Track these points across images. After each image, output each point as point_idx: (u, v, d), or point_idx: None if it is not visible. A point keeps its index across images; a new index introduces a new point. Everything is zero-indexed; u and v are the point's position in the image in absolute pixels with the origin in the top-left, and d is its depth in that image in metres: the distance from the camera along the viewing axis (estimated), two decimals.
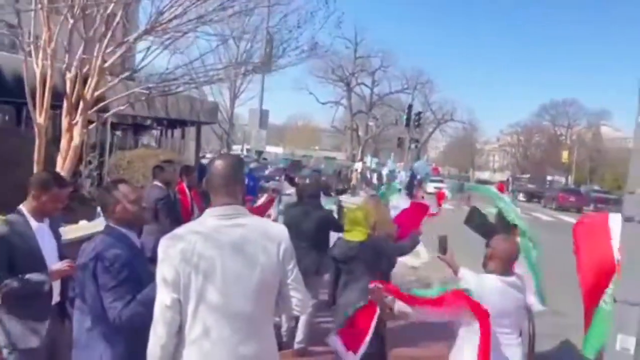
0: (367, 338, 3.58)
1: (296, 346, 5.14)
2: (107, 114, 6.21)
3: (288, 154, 60.55)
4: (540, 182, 40.84)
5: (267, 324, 2.26)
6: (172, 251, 2.08)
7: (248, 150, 22.47)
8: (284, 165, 27.24)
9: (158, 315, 2.06)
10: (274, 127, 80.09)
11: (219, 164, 2.25)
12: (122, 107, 6.18)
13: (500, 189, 5.14)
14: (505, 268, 3.18)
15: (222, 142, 28.12)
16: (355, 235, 3.98)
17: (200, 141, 15.75)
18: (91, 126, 6.01)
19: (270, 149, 71.92)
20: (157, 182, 5.53)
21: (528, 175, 46.35)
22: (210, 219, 2.17)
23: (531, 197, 34.59)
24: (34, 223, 2.98)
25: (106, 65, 5.58)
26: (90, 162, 7.17)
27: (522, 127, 65.98)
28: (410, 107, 33.44)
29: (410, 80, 53.05)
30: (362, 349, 3.60)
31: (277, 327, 5.57)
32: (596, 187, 43.03)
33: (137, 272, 2.56)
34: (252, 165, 12.06)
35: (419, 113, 34.43)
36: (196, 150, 15.28)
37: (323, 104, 53.30)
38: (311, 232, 5.11)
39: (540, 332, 4.39)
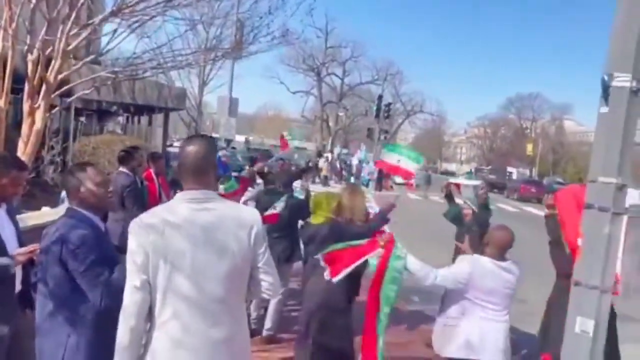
0: (348, 270, 3.55)
1: (265, 333, 5.14)
2: (71, 98, 6.04)
3: (257, 144, 60.12)
4: (501, 173, 42.74)
5: (238, 308, 2.24)
6: (142, 236, 2.07)
7: (217, 139, 22.27)
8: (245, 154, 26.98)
9: (127, 297, 2.04)
10: (244, 117, 79.32)
11: (190, 147, 2.19)
12: (87, 91, 6.00)
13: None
14: (500, 253, 3.54)
15: (190, 130, 27.65)
16: (317, 218, 4.09)
17: (168, 128, 15.43)
18: (54, 110, 5.83)
19: (240, 138, 71.33)
20: (123, 169, 5.39)
21: (490, 167, 48.46)
22: (181, 204, 2.14)
23: (492, 187, 35.07)
24: None
25: (70, 47, 5.42)
26: (52, 148, 6.94)
27: (489, 119, 67.26)
28: (380, 97, 33.62)
29: (381, 71, 53.27)
30: (341, 276, 3.56)
31: (247, 315, 5.56)
32: (559, 179, 44.24)
33: (105, 253, 2.52)
34: (221, 153, 11.94)
35: (389, 104, 34.66)
36: (163, 137, 14.98)
37: (293, 93, 53.06)
38: (283, 220, 5.10)
39: None
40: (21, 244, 2.96)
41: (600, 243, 2.49)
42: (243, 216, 2.21)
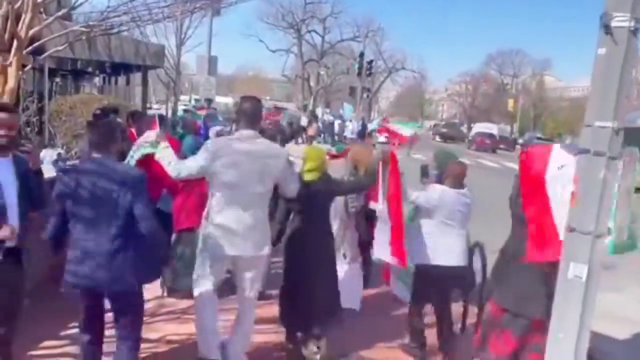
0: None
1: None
2: (44, 55, 5.76)
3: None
4: (453, 127, 51.61)
5: (265, 201, 3.66)
6: (211, 152, 3.46)
7: (197, 100, 21.68)
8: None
9: (191, 162, 3.55)
10: (223, 77, 77.68)
11: (247, 103, 3.65)
12: (60, 48, 5.73)
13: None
14: (457, 182, 4.26)
15: (169, 91, 26.97)
16: (309, 174, 4.03)
17: (148, 86, 14.98)
18: (26, 68, 5.56)
19: (219, 99, 70.05)
20: None
21: (444, 123, 58.12)
22: (240, 138, 3.57)
23: (445, 138, 44.30)
24: None
25: (40, 0, 5.13)
26: (27, 108, 6.67)
27: (470, 76, 67.01)
28: (362, 55, 33.10)
29: (362, 28, 52.31)
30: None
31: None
32: (538, 135, 44.71)
33: None
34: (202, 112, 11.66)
35: (371, 61, 34.18)
36: (143, 96, 14.53)
37: (273, 51, 51.94)
38: None
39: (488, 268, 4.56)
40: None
41: (595, 188, 2.47)
42: (276, 149, 3.76)
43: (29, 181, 2.99)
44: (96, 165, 2.98)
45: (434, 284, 4.22)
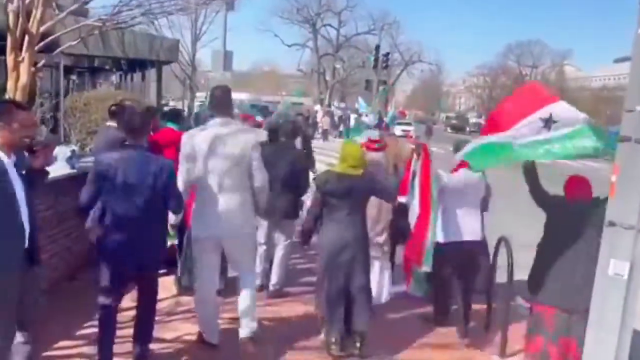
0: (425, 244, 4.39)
1: (271, 288, 5.03)
2: (57, 51, 5.70)
3: (254, 100, 59.29)
4: (462, 119, 55.93)
5: (243, 184, 3.74)
6: (187, 143, 3.67)
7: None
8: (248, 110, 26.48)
9: (179, 171, 3.66)
10: (238, 74, 77.75)
11: (218, 91, 3.90)
12: (73, 43, 5.66)
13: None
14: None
15: (185, 87, 26.89)
16: (353, 170, 3.94)
17: (162, 81, 14.82)
18: (39, 64, 5.50)
19: (235, 95, 69.83)
20: (112, 123, 5.10)
21: (455, 115, 62.24)
22: (214, 124, 3.72)
23: (456, 129, 48.06)
24: (5, 158, 2.66)
25: None
26: (42, 105, 6.61)
27: (489, 68, 66.09)
28: (377, 47, 32.74)
29: (377, 21, 51.84)
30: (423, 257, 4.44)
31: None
32: None
33: None
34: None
35: (387, 54, 33.82)
36: (157, 92, 14.39)
37: (289, 46, 51.72)
38: (285, 173, 4.87)
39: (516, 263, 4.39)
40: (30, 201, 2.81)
41: (637, 179, 2.29)
42: (246, 134, 3.84)
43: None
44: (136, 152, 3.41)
45: (459, 258, 4.42)
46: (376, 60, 30.89)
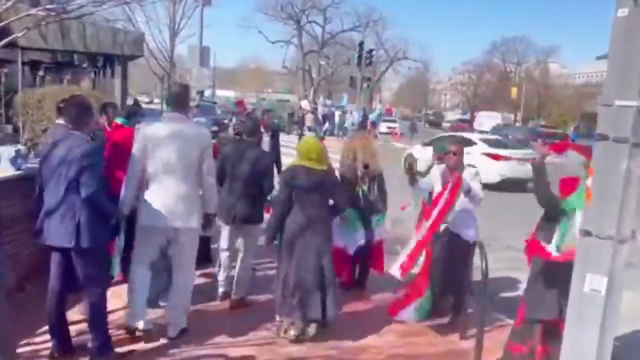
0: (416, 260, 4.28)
1: (232, 297, 4.72)
2: (5, 41, 5.30)
3: (240, 97, 58.66)
4: (439, 116, 62.07)
5: (191, 177, 3.81)
6: (140, 134, 3.79)
7: (202, 93, 20.87)
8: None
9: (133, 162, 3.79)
10: (225, 71, 77.22)
11: (173, 89, 4.28)
12: (19, 35, 5.28)
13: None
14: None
15: (164, 84, 26.32)
16: (318, 164, 4.05)
17: (127, 77, 14.28)
18: None
19: (221, 92, 69.45)
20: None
21: (432, 112, 66.68)
22: (164, 120, 3.89)
23: (434, 125, 52.88)
24: None
25: None
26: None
27: (474, 65, 66.14)
28: (361, 44, 32.34)
29: (362, 18, 51.66)
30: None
31: (212, 275, 5.15)
32: (542, 123, 44.08)
33: None
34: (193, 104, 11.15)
35: (371, 50, 33.43)
36: (122, 88, 13.86)
37: (273, 43, 51.33)
38: (247, 174, 4.55)
39: (493, 266, 4.24)
40: None
41: (615, 182, 2.00)
42: (197, 130, 3.98)
43: None
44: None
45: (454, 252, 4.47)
46: (360, 57, 30.53)
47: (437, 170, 4.68)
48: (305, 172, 4.02)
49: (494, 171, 12.21)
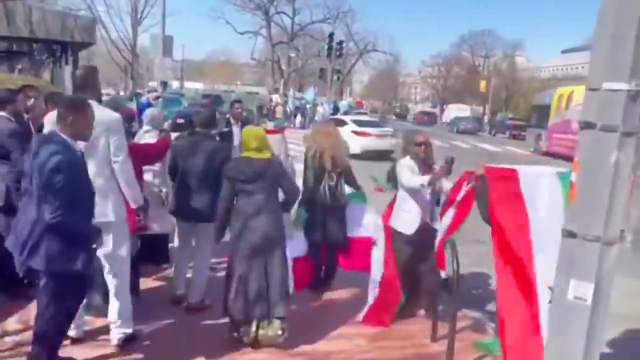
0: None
1: (190, 299, 4.40)
2: None
3: (208, 90, 57.72)
4: (404, 108, 63.82)
5: (105, 167, 3.47)
6: (48, 123, 3.45)
7: (165, 84, 20.05)
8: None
9: None
10: (193, 63, 75.79)
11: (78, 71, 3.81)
12: None
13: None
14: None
15: (127, 76, 25.39)
16: (260, 153, 3.83)
17: (78, 66, 13.56)
18: None
19: (189, 84, 68.15)
20: (2, 113, 4.35)
21: (398, 105, 68.63)
22: None
23: (399, 117, 53.94)
24: None
25: None
26: None
27: (443, 58, 66.55)
28: (331, 35, 32.05)
29: (332, 9, 51.28)
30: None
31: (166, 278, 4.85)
32: (510, 115, 44.60)
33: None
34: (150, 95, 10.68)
35: (341, 42, 33.17)
36: (73, 76, 13.16)
37: (241, 34, 50.44)
38: (200, 168, 4.21)
39: (463, 262, 4.04)
40: None
41: (603, 177, 1.78)
42: (105, 115, 3.45)
43: None
44: None
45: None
46: (330, 48, 30.26)
47: (406, 163, 4.39)
48: (245, 164, 3.81)
49: (357, 144, 15.54)
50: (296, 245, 4.56)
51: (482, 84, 52.93)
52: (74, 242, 3.03)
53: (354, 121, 17.76)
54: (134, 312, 3.77)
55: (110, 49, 20.94)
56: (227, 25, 63.67)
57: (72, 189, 2.92)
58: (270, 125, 5.20)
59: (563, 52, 73.58)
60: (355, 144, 15.33)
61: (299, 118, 29.34)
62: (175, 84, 64.91)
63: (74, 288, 3.16)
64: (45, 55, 13.74)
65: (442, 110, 55.43)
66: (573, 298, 1.84)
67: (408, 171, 4.24)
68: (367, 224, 4.76)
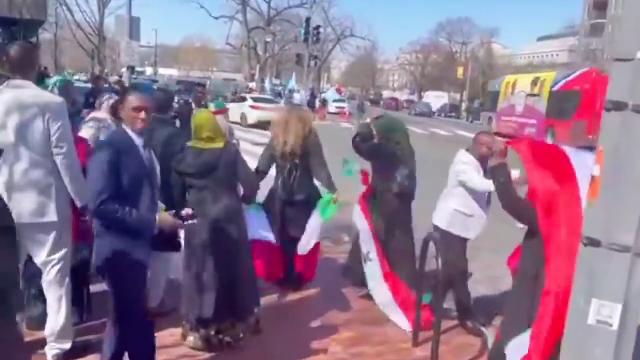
0: None
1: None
2: None
3: (183, 76, 56.50)
4: (378, 95, 64.40)
5: (45, 159, 3.02)
6: None
7: (132, 69, 19.19)
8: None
9: None
10: (168, 48, 74.16)
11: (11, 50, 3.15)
12: None
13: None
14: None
15: (94, 61, 24.30)
16: (212, 142, 3.42)
17: (37, 46, 12.78)
18: None
19: (163, 70, 66.66)
20: None
21: (373, 92, 68.78)
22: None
23: (373, 103, 52.48)
24: None
25: None
26: None
27: (421, 45, 66.46)
28: (307, 20, 31.39)
29: None
30: None
31: None
32: None
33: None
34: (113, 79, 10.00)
35: (318, 27, 32.54)
36: None
37: (216, 18, 49.15)
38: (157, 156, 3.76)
39: None
40: None
41: (635, 170, 1.42)
42: (43, 98, 3.07)
43: None
44: None
45: None
46: (307, 33, 29.66)
47: (470, 160, 3.97)
48: (194, 156, 3.42)
49: (254, 115, 19.92)
50: (256, 228, 4.18)
51: (460, 71, 53.05)
52: None
53: (252, 98, 22.32)
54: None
55: (76, 32, 20.03)
56: (202, 10, 62.21)
57: None
58: (211, 106, 4.67)
59: (539, 39, 74.26)
60: (253, 115, 20.00)
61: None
62: (149, 70, 63.46)
63: None
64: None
65: (420, 97, 55.32)
66: (595, 322, 1.48)
67: (475, 171, 3.89)
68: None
